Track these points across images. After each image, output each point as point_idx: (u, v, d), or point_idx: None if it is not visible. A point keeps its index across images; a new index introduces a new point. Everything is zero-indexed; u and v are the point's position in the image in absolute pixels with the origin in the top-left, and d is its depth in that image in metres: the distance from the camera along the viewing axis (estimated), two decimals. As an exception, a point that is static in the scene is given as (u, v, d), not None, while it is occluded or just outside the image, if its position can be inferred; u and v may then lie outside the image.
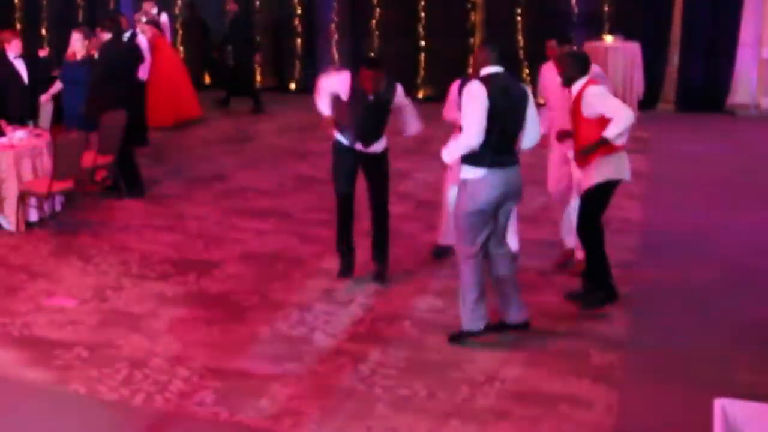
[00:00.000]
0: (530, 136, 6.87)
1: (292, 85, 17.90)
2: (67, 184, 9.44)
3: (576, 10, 16.00)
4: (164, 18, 15.32)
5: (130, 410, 6.02)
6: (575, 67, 7.30)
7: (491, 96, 6.56)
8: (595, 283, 7.46)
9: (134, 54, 12.14)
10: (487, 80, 6.66)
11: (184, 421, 5.91)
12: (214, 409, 6.00)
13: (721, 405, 4.54)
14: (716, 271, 8.31)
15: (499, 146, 6.64)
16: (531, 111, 6.81)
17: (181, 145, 13.55)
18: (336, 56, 17.42)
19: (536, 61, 16.07)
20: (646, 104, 15.40)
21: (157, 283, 8.13)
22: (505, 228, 7.00)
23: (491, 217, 6.80)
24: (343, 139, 7.99)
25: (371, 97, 7.76)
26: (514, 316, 6.95)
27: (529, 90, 6.93)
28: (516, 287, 6.97)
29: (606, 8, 15.91)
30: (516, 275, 7.01)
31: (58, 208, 9.96)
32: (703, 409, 5.06)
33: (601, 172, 7.22)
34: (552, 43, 8.28)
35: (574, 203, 7.92)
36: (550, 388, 6.27)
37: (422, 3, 16.72)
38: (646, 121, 14.54)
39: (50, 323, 7.28)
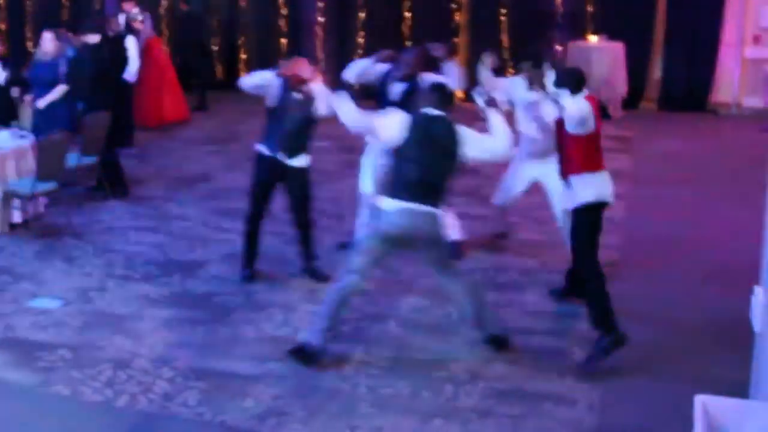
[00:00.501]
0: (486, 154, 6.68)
1: (277, 86, 17.89)
2: (51, 186, 9.43)
3: (560, 10, 16.05)
4: (146, 18, 15.27)
5: (113, 411, 6.03)
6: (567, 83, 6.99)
7: (410, 132, 6.48)
8: (603, 328, 6.59)
9: (121, 56, 12.15)
10: (417, 117, 6.61)
11: (168, 422, 5.92)
12: (198, 410, 6.01)
13: (701, 401, 4.58)
14: (698, 267, 8.37)
15: (415, 186, 6.44)
16: (471, 147, 6.53)
17: (165, 145, 13.54)
18: (321, 56, 17.44)
19: (521, 61, 16.15)
20: (629, 103, 15.48)
21: (142, 284, 8.13)
22: (446, 274, 6.74)
23: (386, 253, 6.68)
24: (264, 149, 8.03)
25: (300, 95, 7.80)
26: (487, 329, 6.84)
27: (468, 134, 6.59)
28: (482, 311, 6.79)
29: (590, 8, 15.97)
30: (477, 306, 6.77)
31: (41, 209, 9.95)
32: (684, 406, 5.11)
33: (583, 193, 6.92)
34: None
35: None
36: (533, 387, 6.30)
37: (407, 3, 16.75)
38: (629, 121, 14.64)
39: (34, 325, 7.27)
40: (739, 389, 5.51)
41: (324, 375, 6.47)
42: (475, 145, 6.55)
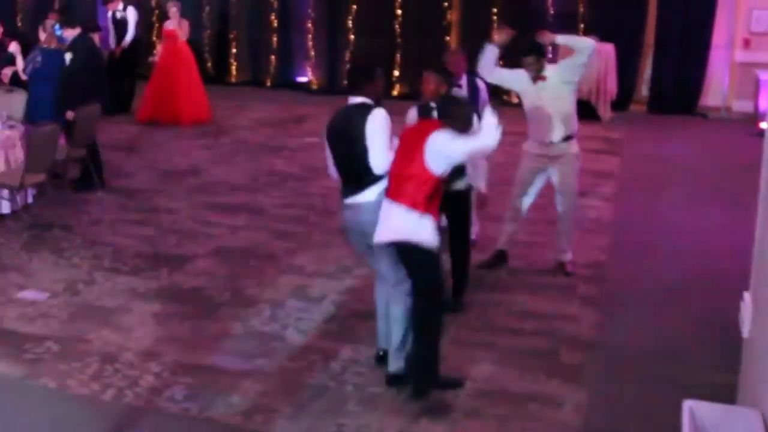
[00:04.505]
0: (375, 164, 6.14)
1: (267, 81, 17.89)
2: (40, 177, 9.40)
3: (551, 10, 16.08)
4: (131, 13, 15.27)
5: (100, 405, 6.01)
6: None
7: (328, 127, 6.40)
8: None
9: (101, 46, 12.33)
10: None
11: (154, 416, 5.91)
12: (184, 405, 6.00)
13: (689, 406, 4.59)
14: (685, 271, 8.38)
15: (343, 178, 6.36)
16: (371, 143, 6.11)
17: (154, 138, 13.52)
18: (312, 52, 17.45)
19: (510, 60, 16.19)
20: (619, 105, 15.51)
21: (129, 277, 8.12)
22: (388, 271, 6.24)
23: (364, 250, 6.41)
24: None
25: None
26: (391, 364, 6.35)
27: (372, 122, 6.10)
28: (401, 336, 6.25)
29: (581, 9, 16.00)
30: (406, 322, 6.20)
31: (30, 200, 9.92)
32: (671, 410, 5.13)
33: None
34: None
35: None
36: (520, 387, 6.30)
37: (399, 0, 16.75)
38: (619, 122, 14.68)
39: (21, 316, 7.25)
40: (727, 394, 5.52)
41: (311, 372, 6.46)
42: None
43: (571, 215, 8.26)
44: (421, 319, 6.08)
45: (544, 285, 7.98)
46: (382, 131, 6.14)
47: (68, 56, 10.61)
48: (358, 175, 6.21)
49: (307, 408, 6.00)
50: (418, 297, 6.06)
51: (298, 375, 6.42)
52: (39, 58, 10.85)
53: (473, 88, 8.21)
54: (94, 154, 10.62)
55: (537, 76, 7.96)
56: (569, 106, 8.03)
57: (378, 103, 6.28)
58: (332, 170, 6.46)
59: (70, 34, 10.69)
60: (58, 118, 9.94)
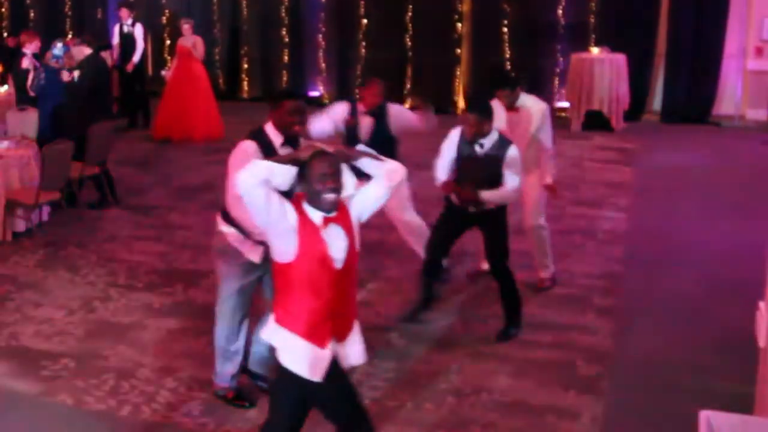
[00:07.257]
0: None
1: (279, 95, 17.94)
2: (54, 195, 9.44)
3: (563, 21, 16.09)
4: (138, 29, 15.32)
5: (117, 421, 6.02)
6: None
7: None
8: None
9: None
10: None
11: (171, 431, 5.92)
12: (201, 420, 6.01)
13: (706, 417, 4.56)
14: (701, 281, 8.35)
15: None
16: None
17: (167, 155, 13.56)
18: (323, 66, 17.49)
19: (522, 71, 16.20)
20: (631, 115, 15.50)
21: (145, 293, 8.14)
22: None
23: None
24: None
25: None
26: None
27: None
28: None
29: (592, 20, 16.00)
30: None
31: (45, 218, 9.96)
32: (688, 421, 5.09)
33: None
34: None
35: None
36: (537, 399, 6.29)
37: (409, 14, 16.78)
38: (632, 133, 14.66)
39: (37, 334, 7.28)
40: (744, 404, 5.50)
41: (327, 386, 6.45)
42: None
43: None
44: None
45: (559, 296, 7.97)
46: (234, 165, 5.98)
47: (77, 73, 10.65)
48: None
49: (323, 421, 5.97)
50: None
51: (314, 389, 6.41)
52: (43, 75, 10.89)
53: (380, 119, 7.94)
54: (107, 171, 10.68)
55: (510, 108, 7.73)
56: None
57: (285, 134, 5.99)
58: None
59: (84, 52, 10.74)
60: (69, 135, 9.99)
